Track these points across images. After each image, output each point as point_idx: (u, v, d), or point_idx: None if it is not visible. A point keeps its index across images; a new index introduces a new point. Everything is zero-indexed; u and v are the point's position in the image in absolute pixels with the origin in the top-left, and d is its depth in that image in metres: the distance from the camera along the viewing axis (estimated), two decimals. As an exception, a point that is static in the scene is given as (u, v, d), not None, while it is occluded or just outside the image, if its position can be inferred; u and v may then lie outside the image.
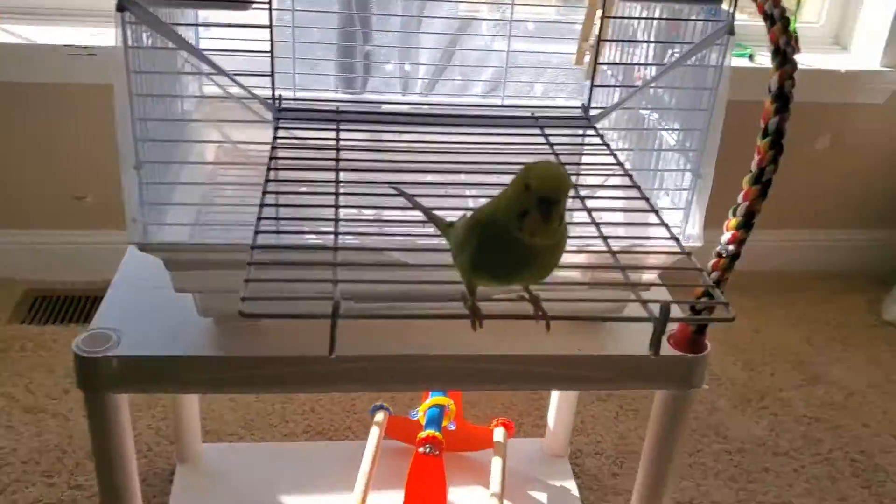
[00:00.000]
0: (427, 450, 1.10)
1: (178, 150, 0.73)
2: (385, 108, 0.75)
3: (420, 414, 1.20)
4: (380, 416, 1.32)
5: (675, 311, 0.54)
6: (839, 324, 1.90)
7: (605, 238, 0.63)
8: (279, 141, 0.68)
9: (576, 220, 0.65)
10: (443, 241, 0.61)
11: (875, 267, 2.08)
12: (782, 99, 0.79)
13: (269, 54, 0.67)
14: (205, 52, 0.65)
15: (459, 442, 1.22)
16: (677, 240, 0.67)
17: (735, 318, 0.51)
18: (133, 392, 0.84)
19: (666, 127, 0.77)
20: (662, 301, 0.49)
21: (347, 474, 1.30)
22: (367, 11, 1.01)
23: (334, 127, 0.71)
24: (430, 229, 0.64)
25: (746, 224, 0.80)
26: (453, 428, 1.18)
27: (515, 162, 0.69)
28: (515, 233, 0.50)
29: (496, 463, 1.27)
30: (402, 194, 0.65)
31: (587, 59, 1.01)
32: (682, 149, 0.75)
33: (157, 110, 0.69)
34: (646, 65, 0.74)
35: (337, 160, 0.66)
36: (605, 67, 0.86)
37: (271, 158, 0.66)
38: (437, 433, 1.10)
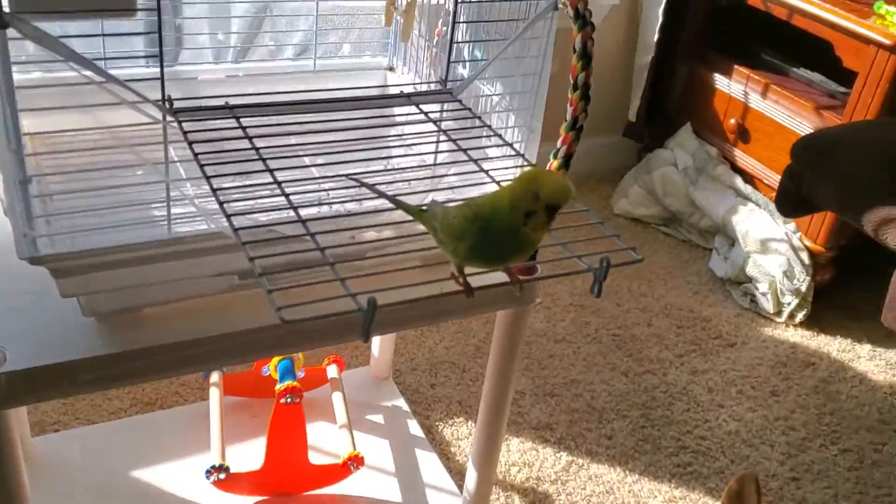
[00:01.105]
0: (289, 399, 1.17)
1: (67, 159, 0.71)
2: (274, 97, 0.78)
3: (272, 369, 1.26)
4: (216, 377, 1.36)
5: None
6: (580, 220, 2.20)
7: (498, 183, 0.75)
8: (190, 136, 0.70)
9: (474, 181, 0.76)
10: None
11: (603, 168, 2.41)
12: (586, 57, 0.95)
13: (157, 58, 0.68)
14: (94, 61, 0.65)
15: (306, 386, 1.30)
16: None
17: (643, 259, 0.65)
18: (25, 405, 0.82)
19: (504, 92, 0.89)
20: (602, 255, 0.62)
21: (195, 436, 1.34)
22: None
23: (232, 117, 0.74)
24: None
25: (566, 164, 0.96)
26: (303, 375, 1.26)
27: (411, 133, 0.78)
28: (521, 228, 0.60)
29: (337, 397, 1.37)
30: (363, 184, 0.71)
31: (398, 20, 1.10)
32: (519, 108, 0.87)
33: (44, 124, 0.68)
34: (494, 41, 0.84)
35: (256, 148, 0.70)
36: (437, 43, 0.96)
37: (196, 153, 0.68)
38: (294, 382, 1.18)
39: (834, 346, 1.85)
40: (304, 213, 0.71)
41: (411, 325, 1.45)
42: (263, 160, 0.71)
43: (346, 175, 0.70)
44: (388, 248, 0.82)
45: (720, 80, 2.09)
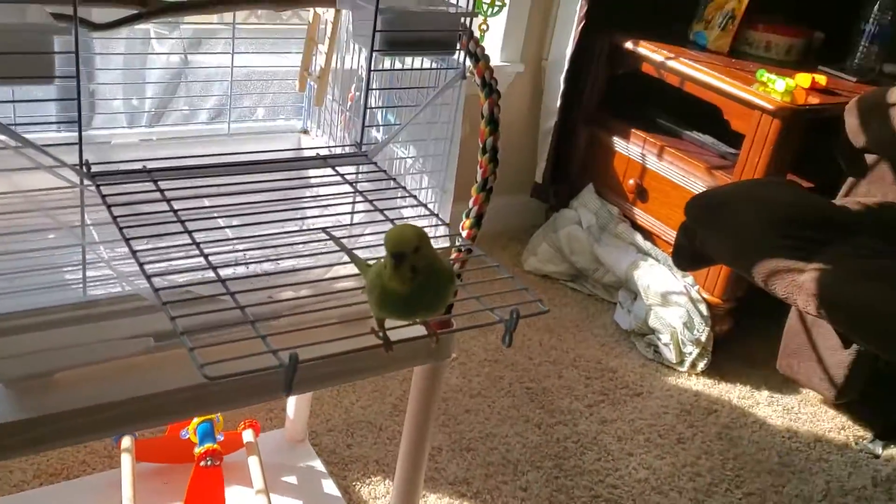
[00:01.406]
0: (209, 462, 1.15)
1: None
2: (191, 161, 0.80)
3: (191, 432, 1.24)
4: (127, 442, 1.33)
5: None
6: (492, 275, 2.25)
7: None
8: (108, 199, 0.71)
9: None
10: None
11: (513, 227, 2.48)
12: (493, 123, 1.00)
13: (69, 123, 0.69)
14: (9, 127, 0.65)
15: (224, 450, 1.29)
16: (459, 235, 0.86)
17: (549, 311, 0.69)
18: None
19: (418, 155, 0.93)
20: (512, 307, 0.65)
21: (106, 507, 1.30)
22: (90, 51, 1.02)
23: (149, 180, 0.75)
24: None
25: (478, 223, 1.01)
26: (222, 439, 1.24)
27: (326, 194, 0.81)
28: (385, 281, 0.64)
29: (253, 461, 1.35)
30: (331, 238, 0.73)
31: (311, 85, 1.14)
32: (433, 170, 0.92)
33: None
34: (407, 106, 0.89)
35: (174, 210, 0.71)
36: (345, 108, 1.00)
37: (115, 216, 0.69)
38: (214, 445, 1.16)
39: (734, 394, 1.94)
40: (221, 273, 0.72)
41: (331, 382, 1.45)
42: (181, 222, 0.72)
43: (322, 229, 0.72)
44: (305, 307, 0.84)
45: (619, 143, 2.20)
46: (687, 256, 1.47)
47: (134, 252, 0.68)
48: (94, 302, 0.79)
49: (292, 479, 1.44)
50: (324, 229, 0.75)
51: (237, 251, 0.87)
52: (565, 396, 1.83)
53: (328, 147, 0.99)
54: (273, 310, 0.83)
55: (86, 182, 0.71)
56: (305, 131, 1.22)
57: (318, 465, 1.48)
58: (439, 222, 0.90)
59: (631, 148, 2.16)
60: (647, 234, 2.14)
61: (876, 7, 2.13)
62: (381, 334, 0.69)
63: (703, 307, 1.98)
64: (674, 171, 2.06)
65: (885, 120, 1.68)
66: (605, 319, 2.14)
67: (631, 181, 2.16)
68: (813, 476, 1.71)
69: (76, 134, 0.72)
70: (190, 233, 0.72)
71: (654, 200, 2.12)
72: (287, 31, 1.23)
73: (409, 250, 0.62)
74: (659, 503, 1.58)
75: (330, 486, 1.43)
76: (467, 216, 1.01)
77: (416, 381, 1.09)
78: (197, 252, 0.71)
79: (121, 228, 0.69)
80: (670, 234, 2.06)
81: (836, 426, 1.88)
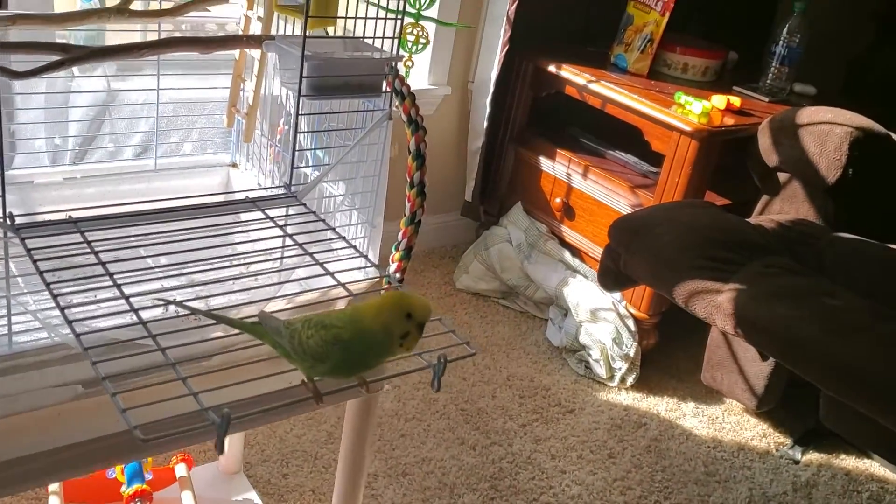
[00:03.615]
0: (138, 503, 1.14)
1: None
2: (118, 208, 0.79)
3: (118, 472, 1.22)
4: (55, 485, 1.29)
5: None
6: (425, 295, 2.27)
7: (343, 285, 0.79)
8: (33, 253, 0.70)
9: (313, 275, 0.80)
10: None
11: (444, 245, 2.51)
12: (420, 158, 1.02)
13: (-1, 175, 0.68)
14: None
15: (155, 487, 1.27)
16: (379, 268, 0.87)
17: (476, 353, 0.71)
18: None
19: (346, 193, 0.94)
20: (440, 353, 0.67)
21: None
22: (10, 92, 1.00)
23: (75, 231, 0.74)
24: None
25: (407, 256, 1.02)
26: (151, 477, 1.23)
27: (257, 237, 0.81)
28: (396, 348, 0.67)
29: (187, 496, 1.33)
30: (193, 312, 0.73)
31: (240, 120, 1.14)
32: (362, 206, 0.93)
33: None
34: (335, 147, 0.90)
35: (102, 263, 0.71)
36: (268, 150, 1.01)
37: (39, 270, 0.68)
38: (143, 486, 1.15)
39: (662, 406, 1.99)
40: (148, 315, 0.72)
41: (263, 421, 1.45)
42: (107, 270, 0.72)
43: (175, 302, 0.72)
44: (236, 346, 0.84)
45: (545, 163, 2.24)
46: (612, 278, 1.51)
47: (57, 300, 0.68)
48: (19, 354, 0.77)
49: (228, 513, 1.43)
50: (176, 302, 0.75)
51: (165, 290, 0.87)
52: (500, 416, 1.86)
53: (258, 189, 0.99)
54: (203, 350, 0.83)
55: (9, 234, 0.70)
56: (234, 165, 1.22)
57: (253, 496, 1.47)
58: (368, 264, 0.92)
59: (557, 167, 2.21)
60: (575, 252, 2.19)
61: (785, 30, 2.23)
62: (311, 387, 0.71)
63: (630, 322, 2.04)
64: (598, 189, 2.11)
65: (795, 140, 1.76)
66: (538, 336, 2.17)
67: (558, 199, 2.21)
68: (737, 484, 1.78)
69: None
70: (112, 276, 0.72)
71: (580, 218, 2.17)
72: (213, 63, 1.22)
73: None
74: (592, 518, 1.61)
75: (266, 519, 1.42)
76: (397, 248, 1.02)
77: (350, 411, 1.10)
78: (122, 299, 0.71)
79: (47, 284, 0.68)
80: (597, 251, 2.11)
81: (759, 434, 1.95)
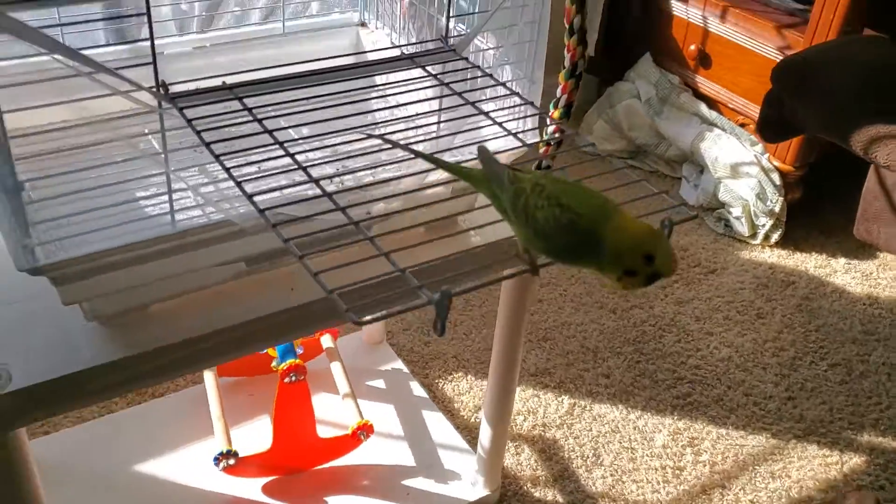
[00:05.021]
0: (293, 378, 1.14)
1: (58, 160, 0.66)
2: (270, 73, 0.73)
3: (268, 347, 1.23)
4: (210, 359, 1.32)
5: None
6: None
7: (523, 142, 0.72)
8: (195, 123, 0.65)
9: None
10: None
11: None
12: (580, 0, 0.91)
13: (148, 40, 0.63)
14: (80, 51, 0.59)
15: (305, 359, 1.27)
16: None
17: (697, 216, 0.64)
18: (35, 422, 0.78)
19: (499, 44, 0.86)
20: (664, 216, 0.60)
21: (195, 422, 1.31)
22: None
23: (233, 98, 0.69)
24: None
25: (566, 114, 0.93)
26: (301, 352, 1.23)
27: (421, 99, 0.74)
28: (610, 274, 0.57)
29: (336, 367, 1.34)
30: (413, 152, 0.66)
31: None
32: (517, 60, 0.84)
33: (29, 124, 0.62)
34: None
35: (269, 131, 0.66)
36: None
37: (205, 141, 0.63)
38: (296, 360, 1.14)
39: (811, 263, 1.88)
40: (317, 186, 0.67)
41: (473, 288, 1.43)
42: (276, 139, 0.66)
43: (382, 136, 0.66)
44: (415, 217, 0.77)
45: (677, 7, 2.06)
46: (774, 128, 1.38)
47: (231, 174, 0.63)
48: (183, 232, 0.74)
49: (377, 383, 1.43)
50: (382, 136, 0.68)
51: (337, 159, 0.80)
52: (638, 279, 1.79)
53: (392, 46, 0.90)
54: (380, 225, 0.77)
55: (165, 105, 0.65)
56: (363, 23, 1.14)
57: (399, 365, 1.47)
58: (529, 126, 0.83)
59: (690, 11, 2.03)
60: (712, 103, 2.04)
61: None
62: (527, 258, 0.64)
63: (775, 176, 1.90)
64: (739, 33, 1.93)
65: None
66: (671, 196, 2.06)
67: (692, 47, 2.03)
68: (899, 342, 1.67)
69: (145, 52, 0.65)
70: (283, 144, 0.66)
71: (717, 66, 2.00)
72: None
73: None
74: (744, 381, 1.55)
75: (416, 387, 1.42)
76: (555, 106, 0.93)
77: (507, 289, 1.06)
78: (294, 168, 0.65)
79: (216, 156, 0.63)
80: (737, 102, 1.96)
81: (919, 289, 1.83)
